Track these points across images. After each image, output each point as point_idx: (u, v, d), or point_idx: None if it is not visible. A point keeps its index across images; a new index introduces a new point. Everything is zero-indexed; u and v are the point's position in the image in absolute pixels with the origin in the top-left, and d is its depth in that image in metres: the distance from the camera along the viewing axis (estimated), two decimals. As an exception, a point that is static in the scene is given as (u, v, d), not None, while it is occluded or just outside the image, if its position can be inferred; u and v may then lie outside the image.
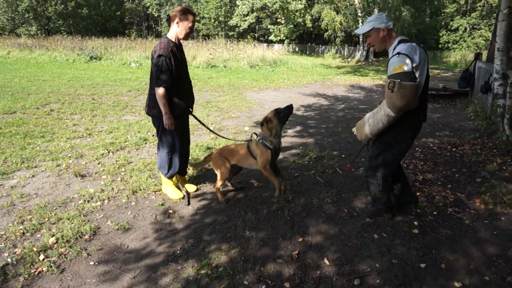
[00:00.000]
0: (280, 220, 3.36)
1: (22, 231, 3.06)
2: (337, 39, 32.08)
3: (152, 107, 3.51)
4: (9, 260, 2.67)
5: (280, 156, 5.16)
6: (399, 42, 2.83)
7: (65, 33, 29.83)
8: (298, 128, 7.01)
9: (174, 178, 3.89)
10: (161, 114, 3.44)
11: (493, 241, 2.97)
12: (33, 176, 4.25)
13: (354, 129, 3.30)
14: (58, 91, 9.67)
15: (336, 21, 27.97)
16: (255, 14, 32.69)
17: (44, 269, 2.60)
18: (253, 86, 12.62)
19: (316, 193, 3.92)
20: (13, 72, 13.25)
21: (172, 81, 3.32)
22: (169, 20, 3.39)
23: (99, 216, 3.40)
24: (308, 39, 38.86)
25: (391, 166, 3.11)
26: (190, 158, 4.31)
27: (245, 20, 32.94)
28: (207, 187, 4.10)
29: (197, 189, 4.00)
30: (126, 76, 13.46)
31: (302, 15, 30.63)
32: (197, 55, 18.17)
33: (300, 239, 3.04)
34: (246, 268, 2.65)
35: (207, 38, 29.18)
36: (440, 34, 34.63)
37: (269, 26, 33.41)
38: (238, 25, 33.83)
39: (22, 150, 5.04)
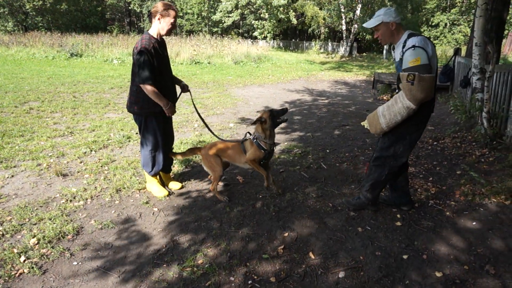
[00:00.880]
0: (266, 215, 3.38)
1: (1, 233, 2.99)
2: (321, 35, 32.25)
3: (133, 104, 3.46)
4: (-12, 262, 2.61)
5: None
6: (409, 36, 2.87)
7: (43, 29, 29.06)
8: (283, 124, 7.02)
9: (158, 176, 3.86)
10: (142, 110, 3.41)
11: (473, 231, 3.06)
12: (12, 176, 4.15)
13: (364, 123, 3.29)
14: (37, 89, 9.43)
15: (320, 17, 28.10)
16: (239, 10, 32.54)
17: (25, 270, 2.54)
18: (238, 82, 12.58)
19: (301, 188, 3.95)
20: (-11, 70, 12.86)
21: (154, 77, 3.28)
22: (151, 16, 3.35)
23: (82, 215, 3.34)
24: (293, 35, 38.93)
25: (401, 157, 3.14)
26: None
27: (229, 17, 32.76)
28: (192, 184, 4.08)
29: (182, 187, 3.97)
30: (108, 73, 13.23)
31: (285, 10, 30.64)
32: (180, 51, 17.99)
33: (286, 234, 3.06)
34: (232, 264, 2.66)
35: (190, 34, 28.85)
36: (422, 30, 35.14)
37: (253, 22, 33.32)
38: (222, 21, 33.62)
39: (0, 149, 4.90)
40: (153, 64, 3.25)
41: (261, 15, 31.79)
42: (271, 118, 3.53)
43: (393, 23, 2.91)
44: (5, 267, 2.57)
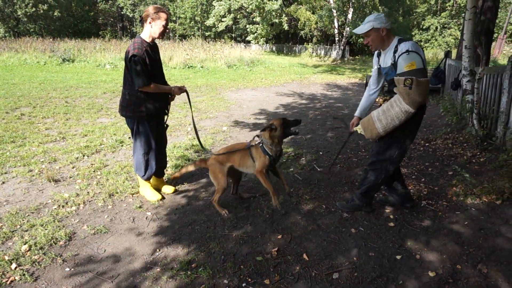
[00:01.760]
0: (259, 218, 3.38)
1: (-8, 240, 2.95)
2: (313, 38, 32.43)
3: (125, 108, 3.46)
4: (-22, 269, 2.57)
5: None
6: (399, 41, 2.90)
7: (35, 35, 28.87)
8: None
9: (151, 180, 3.85)
10: (134, 114, 3.40)
11: (465, 231, 3.08)
12: (3, 182, 4.10)
13: (358, 128, 3.28)
14: (29, 95, 9.35)
15: (312, 21, 28.27)
16: (232, 15, 32.63)
17: (16, 278, 2.51)
18: (231, 86, 12.60)
19: (295, 190, 3.96)
20: (-20, 76, 12.74)
21: (151, 79, 3.30)
22: (142, 21, 3.35)
23: (74, 221, 3.31)
24: (285, 38, 39.08)
25: (397, 161, 3.17)
26: (168, 159, 4.27)
27: (222, 21, 32.84)
28: (185, 188, 4.07)
29: (175, 190, 3.96)
30: (100, 78, 13.17)
31: (278, 15, 30.80)
32: (173, 55, 17.98)
33: (280, 236, 3.06)
34: (226, 267, 2.65)
35: (183, 38, 28.87)
36: (413, 33, 35.53)
37: (247, 26, 33.42)
38: (216, 25, 33.69)
39: (-9, 156, 4.85)
40: (148, 69, 3.26)
41: (254, 19, 31.91)
42: (282, 127, 3.38)
43: (383, 29, 2.93)
44: (-4, 274, 2.53)
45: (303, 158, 5.08)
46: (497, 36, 22.97)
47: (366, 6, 26.22)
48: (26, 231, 3.11)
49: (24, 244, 2.87)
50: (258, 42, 33.06)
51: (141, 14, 3.39)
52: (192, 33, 37.43)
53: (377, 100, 10.29)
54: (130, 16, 41.69)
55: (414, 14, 35.70)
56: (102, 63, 17.07)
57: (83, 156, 4.99)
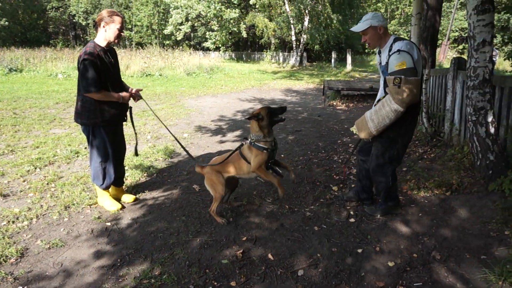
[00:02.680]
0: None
1: None
2: (271, 46, 32.97)
3: (79, 114, 3.33)
4: None
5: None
6: (395, 40, 2.95)
7: (-23, 44, 27.03)
8: (238, 132, 7.07)
9: (110, 189, 3.71)
10: (89, 121, 3.29)
11: (419, 222, 3.25)
12: None
13: (353, 129, 3.32)
14: (-28, 107, 8.72)
15: (270, 28, 28.76)
16: (190, 23, 32.42)
17: (-39, 300, 2.32)
18: (191, 93, 12.49)
19: (258, 193, 3.99)
20: None
21: (101, 86, 3.19)
22: (96, 25, 3.26)
23: (26, 236, 3.12)
24: (244, 46, 39.43)
25: (397, 161, 3.20)
26: (127, 168, 4.15)
27: (180, 29, 32.53)
28: (146, 196, 3.96)
29: (136, 199, 3.85)
30: (52, 88, 12.55)
31: (236, 23, 31.06)
32: (130, 64, 17.54)
33: (244, 238, 3.06)
34: (191, 273, 2.61)
35: (140, 46, 28.21)
36: (366, 40, 37.19)
37: (206, 33, 33.33)
38: (174, 34, 33.31)
39: None
40: (99, 72, 3.16)
41: (212, 26, 31.93)
42: (269, 115, 3.23)
43: (381, 27, 2.99)
44: None
45: (265, 161, 5.12)
46: (441, 43, 24.58)
47: (321, 14, 27.11)
48: (-28, 250, 2.88)
49: (-30, 264, 2.66)
50: (218, 49, 33.10)
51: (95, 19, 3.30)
52: (150, 41, 36.73)
53: (335, 104, 10.53)
54: (83, 24, 40.19)
55: (366, 21, 37.39)
56: (54, 73, 16.27)
57: (35, 168, 4.72)
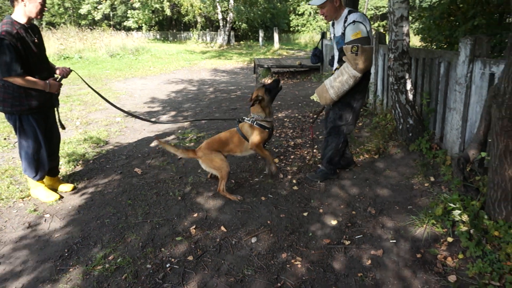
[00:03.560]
0: (172, 201, 3.36)
1: None
2: (198, 25, 32.15)
3: (2, 102, 3.00)
4: None
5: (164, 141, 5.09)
6: (349, 12, 3.15)
7: None
8: (173, 113, 6.93)
9: (46, 180, 3.47)
10: (14, 108, 2.99)
11: (354, 184, 3.58)
12: None
13: (313, 97, 3.52)
14: None
15: (196, 7, 27.96)
16: (109, 1, 30.06)
17: None
18: (117, 76, 11.81)
19: (202, 170, 4.01)
20: None
21: (23, 69, 2.89)
22: (13, 0, 2.92)
23: (-50, 238, 2.81)
24: (169, 25, 37.87)
25: (352, 124, 3.50)
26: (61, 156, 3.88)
27: (98, 9, 30.01)
28: (85, 183, 3.77)
29: (74, 187, 3.65)
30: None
31: (159, 1, 29.60)
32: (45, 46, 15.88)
33: (195, 215, 3.11)
34: (146, 253, 2.60)
35: (52, 26, 25.51)
36: (290, 18, 38.05)
37: (127, 12, 31.16)
38: (91, 13, 30.63)
39: None
40: (19, 54, 2.86)
41: (133, 4, 30.03)
42: (268, 93, 3.47)
43: (337, 0, 3.17)
44: None
45: (205, 140, 5.13)
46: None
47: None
48: None
49: None
50: (140, 29, 31.31)
51: None
52: (63, 20, 33.41)
53: (267, 81, 10.82)
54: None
55: (290, 0, 38.17)
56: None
57: None
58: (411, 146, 3.95)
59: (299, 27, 37.40)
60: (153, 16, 31.03)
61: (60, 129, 3.46)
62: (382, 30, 24.40)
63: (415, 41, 11.86)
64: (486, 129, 2.61)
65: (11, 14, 2.97)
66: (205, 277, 2.35)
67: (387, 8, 4.50)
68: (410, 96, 3.95)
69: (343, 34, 3.18)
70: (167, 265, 2.47)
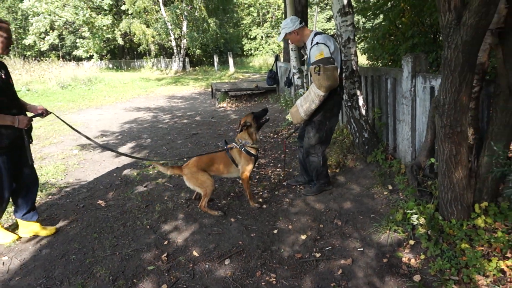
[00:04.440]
0: (140, 231, 3.29)
1: None
2: (151, 52, 32.04)
3: None
4: None
5: (126, 171, 4.99)
6: (315, 35, 3.35)
7: None
8: (132, 144, 6.77)
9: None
10: None
11: (319, 199, 3.72)
12: None
13: (288, 116, 3.66)
14: None
15: (148, 35, 27.91)
16: (56, 31, 29.17)
17: None
18: (70, 107, 11.42)
19: (169, 197, 3.99)
20: None
21: None
22: None
23: None
24: (121, 53, 37.39)
25: (326, 142, 3.66)
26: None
27: (44, 39, 28.97)
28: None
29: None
30: None
31: (110, 30, 29.25)
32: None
33: (166, 242, 3.07)
34: (118, 286, 2.53)
35: (-6, 60, 24.15)
36: (243, 43, 39.03)
37: (77, 41, 30.32)
38: (37, 44, 29.48)
39: None
40: None
41: (83, 33, 29.38)
42: (255, 120, 3.56)
43: (294, 31, 3.42)
44: None
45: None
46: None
47: (198, 18, 27.47)
48: None
49: None
50: (91, 58, 30.55)
51: None
52: (6, 53, 31.83)
53: (225, 105, 10.89)
54: None
55: (242, 25, 39.24)
56: None
57: None
58: (368, 158, 4.18)
59: (252, 51, 38.41)
60: (104, 45, 30.52)
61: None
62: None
63: (363, 60, 12.65)
64: (433, 137, 2.86)
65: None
66: (181, 304, 2.33)
67: (334, 31, 4.92)
68: (363, 111, 4.22)
69: (310, 56, 3.42)
70: (141, 296, 2.42)
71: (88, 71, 20.81)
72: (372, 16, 7.38)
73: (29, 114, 3.18)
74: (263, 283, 2.48)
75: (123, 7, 27.37)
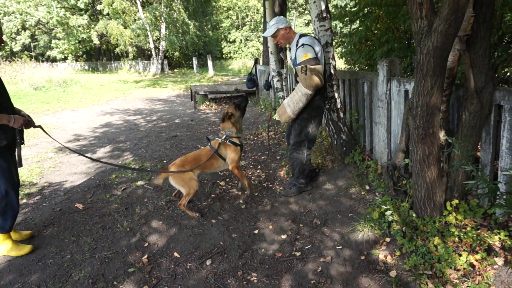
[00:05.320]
0: (120, 233, 3.26)
1: None
2: (129, 54, 31.54)
3: None
4: None
5: (105, 174, 4.91)
6: (300, 36, 3.44)
7: None
8: (109, 147, 6.66)
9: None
10: None
11: (298, 199, 3.79)
12: None
13: (275, 116, 3.72)
14: None
15: (126, 36, 27.47)
16: (28, 32, 28.26)
17: None
18: (45, 109, 11.11)
19: (149, 199, 3.96)
20: None
21: None
22: None
23: None
24: (98, 55, 36.61)
25: (312, 139, 3.74)
26: None
27: (15, 39, 28.01)
28: (20, 225, 3.50)
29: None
30: None
31: (86, 31, 28.59)
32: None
33: (146, 244, 3.06)
34: (97, 289, 2.50)
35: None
36: (222, 46, 39.03)
37: (52, 42, 29.44)
38: (8, 44, 28.44)
39: None
40: None
41: (57, 34, 28.60)
42: (238, 109, 3.72)
43: (286, 27, 3.50)
44: None
45: (149, 169, 5.06)
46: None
47: (177, 21, 27.28)
48: None
49: None
50: (66, 59, 29.75)
51: None
52: (-26, 53, 30.64)
53: (204, 107, 10.87)
54: None
55: (221, 28, 39.23)
56: None
57: None
58: (346, 159, 4.29)
59: (231, 54, 38.47)
60: (80, 46, 29.80)
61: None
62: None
63: (340, 64, 12.92)
64: (407, 138, 2.98)
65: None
66: (163, 305, 2.33)
67: (312, 35, 5.06)
68: (341, 114, 4.33)
69: (296, 57, 3.50)
70: (122, 299, 2.41)
71: (63, 73, 20.35)
72: (349, 22, 7.56)
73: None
74: (244, 283, 2.51)
75: (98, 7, 26.85)
